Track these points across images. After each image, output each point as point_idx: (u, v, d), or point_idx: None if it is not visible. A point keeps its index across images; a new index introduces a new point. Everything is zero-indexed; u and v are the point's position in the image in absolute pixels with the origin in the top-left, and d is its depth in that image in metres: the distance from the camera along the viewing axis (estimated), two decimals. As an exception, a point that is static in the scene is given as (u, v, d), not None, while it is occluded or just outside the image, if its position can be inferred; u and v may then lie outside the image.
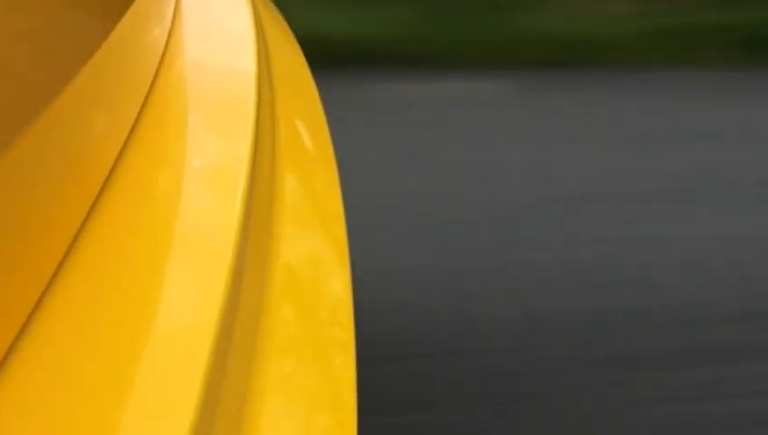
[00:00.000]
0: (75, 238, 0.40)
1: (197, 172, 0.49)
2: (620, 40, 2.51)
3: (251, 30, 0.67)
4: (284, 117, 0.66)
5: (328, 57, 1.93)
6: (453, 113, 2.18)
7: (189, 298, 0.39)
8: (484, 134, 2.08)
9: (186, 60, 0.62)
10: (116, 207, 0.43)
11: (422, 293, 1.51)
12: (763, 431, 1.25)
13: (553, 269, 1.57)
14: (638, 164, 1.97)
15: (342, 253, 0.52)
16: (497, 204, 1.78)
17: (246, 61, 0.62)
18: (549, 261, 1.60)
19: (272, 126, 0.61)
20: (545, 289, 1.52)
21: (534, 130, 2.13)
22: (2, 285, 0.32)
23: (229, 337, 0.39)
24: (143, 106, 0.53)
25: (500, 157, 1.98)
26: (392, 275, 1.53)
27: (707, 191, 1.89)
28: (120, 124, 0.49)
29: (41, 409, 0.32)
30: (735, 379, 1.35)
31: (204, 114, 0.56)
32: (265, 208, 0.52)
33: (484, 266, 1.58)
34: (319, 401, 0.42)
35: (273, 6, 0.96)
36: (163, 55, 0.59)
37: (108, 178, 0.45)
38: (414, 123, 2.12)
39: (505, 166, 1.94)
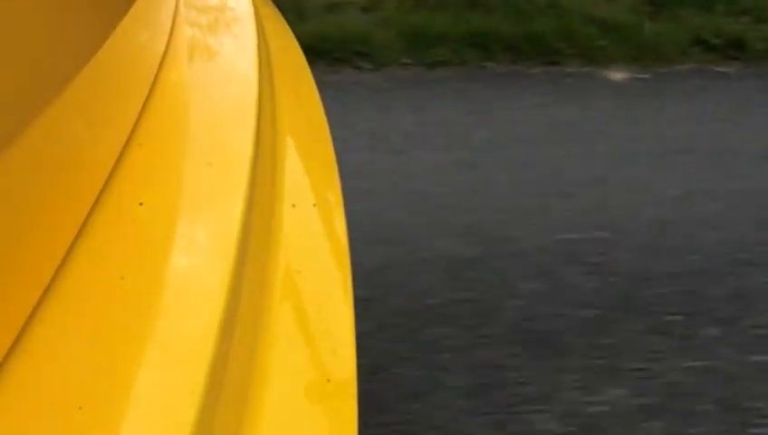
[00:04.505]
0: (77, 237, 0.40)
1: (199, 172, 0.49)
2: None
3: (252, 29, 0.67)
4: (285, 116, 0.66)
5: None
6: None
7: (191, 297, 0.39)
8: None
9: (186, 61, 0.62)
10: (117, 206, 0.44)
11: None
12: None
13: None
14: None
15: (343, 251, 0.51)
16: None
17: (248, 61, 0.62)
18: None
19: (273, 125, 0.61)
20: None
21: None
22: (3, 284, 0.32)
23: (231, 334, 0.39)
24: (144, 106, 0.53)
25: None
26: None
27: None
28: (122, 124, 0.49)
29: (41, 408, 0.32)
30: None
31: (205, 114, 0.56)
32: (267, 205, 0.52)
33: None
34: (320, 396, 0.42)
35: (272, 5, 0.96)
36: (164, 56, 0.59)
37: (109, 177, 0.45)
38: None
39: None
